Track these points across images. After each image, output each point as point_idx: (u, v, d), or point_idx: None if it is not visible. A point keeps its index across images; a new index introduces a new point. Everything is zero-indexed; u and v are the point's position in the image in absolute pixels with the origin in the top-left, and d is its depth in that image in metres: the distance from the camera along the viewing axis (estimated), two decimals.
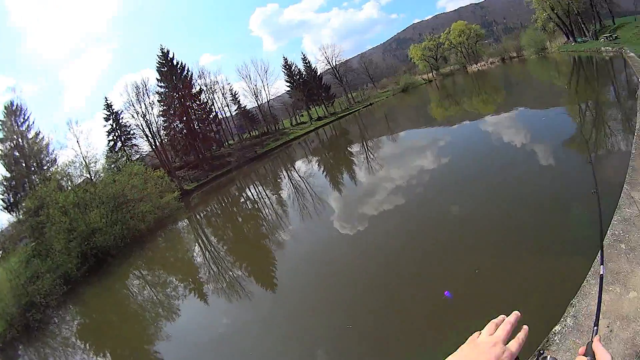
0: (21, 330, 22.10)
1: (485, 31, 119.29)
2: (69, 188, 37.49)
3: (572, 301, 5.25)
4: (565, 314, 5.11)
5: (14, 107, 53.44)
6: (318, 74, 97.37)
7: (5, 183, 50.50)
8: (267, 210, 26.54)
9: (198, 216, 39.21)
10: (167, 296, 18.10)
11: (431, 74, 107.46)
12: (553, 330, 4.95)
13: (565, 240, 8.26)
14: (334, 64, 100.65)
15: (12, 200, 50.24)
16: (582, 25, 60.46)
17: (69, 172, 39.85)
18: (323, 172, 32.06)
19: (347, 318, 9.06)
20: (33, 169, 50.40)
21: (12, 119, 52.62)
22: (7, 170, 50.50)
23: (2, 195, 50.74)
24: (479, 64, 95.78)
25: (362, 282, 10.50)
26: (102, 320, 19.68)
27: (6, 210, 50.14)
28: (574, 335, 4.72)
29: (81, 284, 27.28)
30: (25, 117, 54.15)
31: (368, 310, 9.11)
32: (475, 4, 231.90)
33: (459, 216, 12.17)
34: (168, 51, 71.54)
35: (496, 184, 13.44)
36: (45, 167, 50.37)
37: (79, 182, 39.90)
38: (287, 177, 37.69)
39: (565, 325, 4.94)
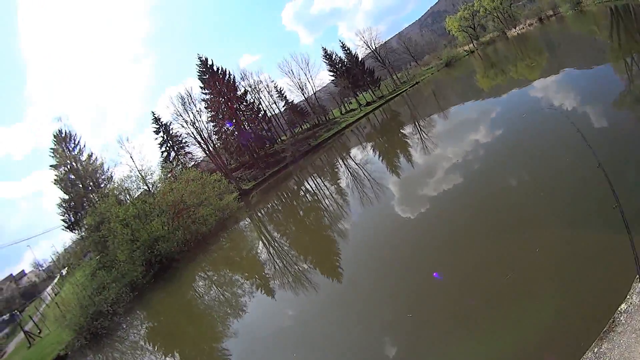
0: (90, 338, 22.61)
1: None
2: (128, 201, 37.99)
3: (637, 276, 4.95)
4: (631, 291, 4.87)
5: (62, 135, 55.56)
6: (360, 59, 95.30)
7: (64, 205, 52.96)
8: (327, 201, 25.84)
9: (259, 214, 38.72)
10: (234, 294, 18.15)
11: (472, 44, 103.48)
12: (619, 309, 4.75)
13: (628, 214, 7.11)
14: (374, 47, 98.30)
15: (72, 219, 52.78)
16: None
17: (126, 187, 40.77)
18: (379, 157, 30.94)
19: (410, 305, 8.75)
20: (90, 188, 52.22)
21: (63, 145, 54.68)
22: (64, 192, 52.82)
23: (63, 216, 53.35)
24: (517, 28, 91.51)
25: (424, 268, 10.00)
26: (170, 323, 19.98)
27: (68, 229, 52.98)
28: None
29: (148, 290, 27.77)
30: (76, 142, 56.27)
31: (429, 297, 8.80)
32: None
33: (516, 190, 11.30)
34: (207, 59, 71.74)
35: (552, 153, 12.15)
36: (102, 185, 52.05)
37: (137, 194, 40.39)
38: (343, 166, 36.57)
39: (631, 303, 4.73)
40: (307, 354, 9.32)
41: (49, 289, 59.83)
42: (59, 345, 23.54)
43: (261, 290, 16.12)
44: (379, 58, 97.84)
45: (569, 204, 9.05)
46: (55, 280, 63.41)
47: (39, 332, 31.21)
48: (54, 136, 55.04)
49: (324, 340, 9.59)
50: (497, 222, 10.06)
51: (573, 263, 7.19)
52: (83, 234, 44.28)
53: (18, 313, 55.51)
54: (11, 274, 79.44)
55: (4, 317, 55.87)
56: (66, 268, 55.75)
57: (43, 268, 78.95)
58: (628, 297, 4.87)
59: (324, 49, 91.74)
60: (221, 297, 18.98)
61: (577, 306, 6.15)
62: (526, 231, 8.80)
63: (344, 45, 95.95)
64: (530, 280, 7.33)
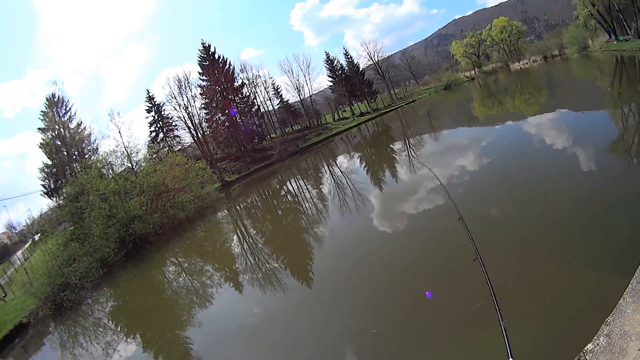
0: (54, 309, 22.37)
1: (527, 28, 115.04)
2: (110, 176, 37.75)
3: (607, 319, 5.08)
4: (599, 332, 4.95)
5: (55, 99, 55.12)
6: (360, 69, 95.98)
7: (46, 170, 52.57)
8: (307, 204, 26.03)
9: (238, 207, 39.00)
10: (202, 284, 18.16)
11: (473, 71, 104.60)
12: (585, 348, 4.84)
13: (604, 253, 7.66)
14: (376, 60, 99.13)
15: (52, 186, 52.46)
16: (624, 23, 57.48)
17: (110, 161, 40.23)
18: (365, 168, 31.35)
19: (375, 320, 8.77)
20: (74, 157, 51.90)
21: (54, 110, 54.35)
22: (48, 157, 52.43)
23: (43, 181, 52.98)
24: (521, 62, 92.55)
25: (394, 283, 10.12)
26: (136, 304, 19.92)
27: (47, 196, 52.78)
28: (606, 356, 4.56)
29: (118, 268, 27.56)
30: (67, 109, 55.89)
31: (395, 313, 8.85)
32: None
33: (496, 219, 11.61)
34: (209, 45, 72.08)
35: (535, 187, 12.48)
36: (86, 156, 51.49)
37: (119, 170, 40.07)
38: (328, 172, 36.92)
39: (598, 344, 4.80)
40: (268, 354, 9.32)
41: (19, 253, 58.74)
42: (23, 312, 23.27)
43: (230, 284, 16.19)
44: (380, 71, 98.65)
45: (533, 236, 9.46)
46: (27, 245, 62.46)
47: (4, 296, 30.71)
48: (47, 99, 54.75)
49: (286, 342, 9.59)
50: (467, 246, 9.48)
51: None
52: (61, 202, 44.30)
53: None
54: None
55: None
56: (39, 234, 55.10)
57: (16, 231, 77.72)
58: None
59: (327, 54, 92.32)
60: (189, 285, 18.96)
61: None
62: (498, 257, 8.85)
63: (347, 53, 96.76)
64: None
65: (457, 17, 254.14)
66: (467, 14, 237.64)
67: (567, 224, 9.37)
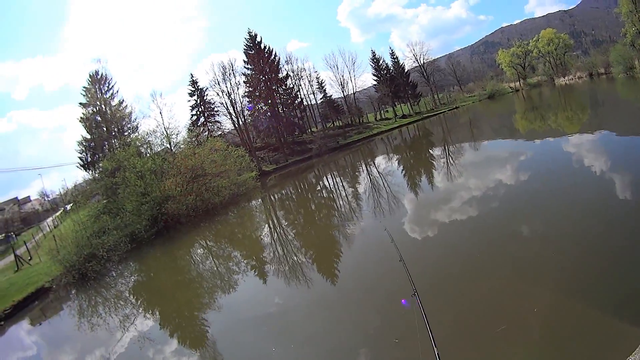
0: (78, 277, 22.81)
1: (574, 42, 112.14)
2: (148, 155, 38.15)
3: None
4: None
5: (98, 76, 55.74)
6: (405, 70, 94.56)
7: (84, 143, 53.61)
8: (341, 202, 25.64)
9: (272, 198, 38.72)
10: (228, 269, 18.19)
11: (518, 82, 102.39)
12: None
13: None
14: (422, 62, 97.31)
15: (89, 159, 53.56)
16: None
17: (149, 140, 40.65)
18: (402, 171, 30.67)
19: (397, 329, 8.23)
20: (113, 133, 52.41)
21: (96, 86, 54.89)
22: (87, 132, 53.53)
23: (81, 154, 54.12)
24: (566, 77, 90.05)
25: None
26: (159, 281, 20.12)
27: (82, 168, 53.85)
28: None
29: (146, 245, 27.83)
30: (110, 86, 56.40)
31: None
32: (564, 11, 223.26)
33: (526, 239, 10.86)
34: (256, 35, 71.78)
35: (569, 212, 11.69)
36: (125, 133, 52.11)
37: (158, 150, 40.34)
38: (365, 172, 36.53)
39: None
40: (284, 346, 9.14)
41: (49, 220, 60.24)
42: (46, 277, 23.43)
43: (255, 272, 16.01)
44: (425, 74, 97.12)
45: (562, 267, 8.70)
46: (58, 213, 63.90)
47: (30, 259, 31.20)
48: (90, 76, 55.26)
49: (303, 336, 9.45)
50: (494, 266, 9.77)
51: None
52: (96, 175, 44.67)
53: (13, 235, 56.15)
54: (16, 197, 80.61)
55: None
56: (71, 204, 56.10)
57: (49, 199, 79.64)
58: None
59: (373, 52, 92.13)
60: (215, 269, 18.91)
61: None
62: (522, 284, 8.47)
63: (393, 53, 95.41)
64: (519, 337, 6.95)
65: (504, 24, 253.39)
66: (514, 23, 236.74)
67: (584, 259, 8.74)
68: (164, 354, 11.05)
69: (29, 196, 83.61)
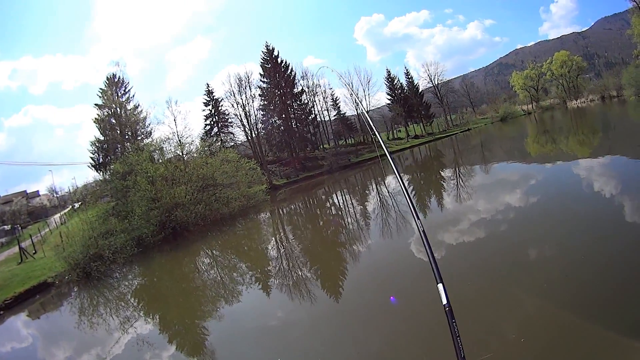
0: (81, 276, 23.17)
1: (587, 64, 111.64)
2: (160, 161, 38.47)
3: None
4: None
5: (115, 79, 56.32)
6: (419, 90, 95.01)
7: (97, 144, 53.74)
8: (349, 219, 25.58)
9: (281, 212, 38.59)
10: (232, 279, 18.17)
11: (531, 105, 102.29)
12: None
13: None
14: (436, 83, 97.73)
15: (101, 160, 53.69)
16: None
17: (162, 147, 40.80)
18: (412, 191, 29.97)
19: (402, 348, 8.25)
20: (127, 136, 52.73)
21: (113, 89, 55.28)
22: (101, 133, 53.64)
23: (93, 154, 54.17)
24: (578, 100, 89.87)
25: (420, 315, 9.40)
26: (162, 287, 20.14)
27: (94, 168, 54.12)
28: None
29: (152, 250, 28.09)
30: (126, 90, 56.86)
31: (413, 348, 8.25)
32: (578, 33, 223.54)
33: (535, 264, 10.61)
34: (273, 48, 72.48)
35: (578, 236, 11.58)
36: (139, 138, 52.24)
37: (169, 157, 40.62)
38: (375, 190, 36.59)
39: None
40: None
41: (57, 216, 60.67)
42: (50, 272, 23.86)
43: (259, 284, 15.95)
44: (438, 95, 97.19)
45: (569, 294, 8.51)
46: (66, 210, 64.41)
47: (34, 253, 31.53)
48: (107, 78, 55.88)
49: (303, 351, 9.40)
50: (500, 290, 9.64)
51: None
52: (107, 177, 45.31)
53: (19, 228, 56.78)
54: (25, 191, 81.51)
55: (5, 226, 57.31)
56: (80, 203, 56.65)
57: (58, 195, 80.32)
58: None
59: (388, 71, 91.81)
60: (219, 278, 18.98)
61: None
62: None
63: (407, 72, 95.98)
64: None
65: (519, 46, 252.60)
66: (528, 44, 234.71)
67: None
68: (161, 358, 11.08)
69: (37, 191, 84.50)
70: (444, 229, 16.13)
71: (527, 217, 14.98)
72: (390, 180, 39.55)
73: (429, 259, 3.24)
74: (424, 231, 3.60)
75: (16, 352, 15.00)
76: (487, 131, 80.00)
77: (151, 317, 15.56)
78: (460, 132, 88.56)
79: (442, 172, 36.04)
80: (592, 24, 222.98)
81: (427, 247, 3.36)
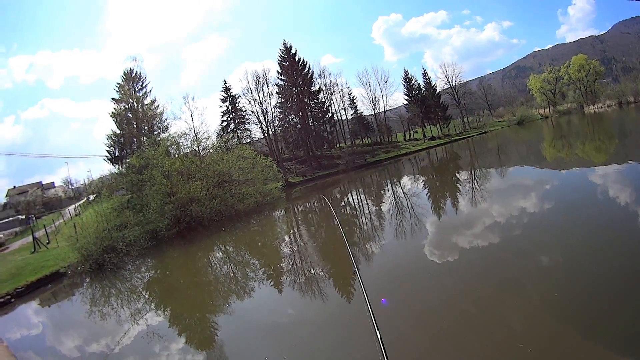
0: (94, 267, 23.33)
1: (604, 68, 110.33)
2: (176, 156, 38.59)
3: None
4: None
5: (133, 74, 56.68)
6: (437, 91, 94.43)
7: (114, 138, 54.30)
8: (363, 219, 25.50)
9: (296, 209, 38.42)
10: (244, 275, 18.00)
11: (548, 109, 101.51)
12: None
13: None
14: (453, 84, 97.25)
15: (117, 154, 54.41)
16: None
17: (179, 142, 40.83)
18: (427, 193, 30.17)
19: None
20: (143, 131, 53.00)
21: (130, 84, 55.70)
22: (117, 127, 54.12)
23: (109, 147, 54.74)
24: (595, 105, 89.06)
25: (431, 317, 9.47)
26: (174, 280, 20.00)
27: (109, 162, 54.83)
28: None
29: (166, 244, 28.15)
30: (143, 85, 57.20)
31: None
32: (596, 36, 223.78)
33: (549, 268, 10.50)
34: (291, 46, 72.49)
35: (593, 244, 11.35)
36: (155, 132, 52.48)
37: (186, 152, 40.74)
38: (390, 191, 36.13)
39: None
40: (293, 358, 9.15)
41: (71, 207, 61.53)
42: (62, 262, 23.93)
43: (271, 281, 15.85)
44: (456, 96, 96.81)
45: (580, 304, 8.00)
46: (80, 202, 65.18)
47: (48, 243, 31.91)
48: (124, 73, 56.26)
49: (312, 349, 9.37)
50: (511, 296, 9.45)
51: None
52: (123, 170, 45.73)
53: (34, 218, 57.63)
54: (40, 182, 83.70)
55: (20, 216, 58.53)
56: (95, 195, 57.18)
57: (73, 187, 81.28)
58: None
59: (406, 71, 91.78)
60: (231, 273, 18.91)
61: None
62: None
63: (425, 73, 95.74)
64: None
65: (536, 49, 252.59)
66: (546, 47, 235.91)
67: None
68: (170, 350, 11.02)
69: (53, 182, 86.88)
70: (454, 233, 16.12)
71: (538, 225, 14.71)
72: (406, 181, 39.41)
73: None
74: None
75: (25, 340, 15.08)
76: (504, 134, 79.54)
77: (162, 309, 15.58)
78: (477, 134, 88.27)
79: (458, 175, 35.68)
80: (610, 27, 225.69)
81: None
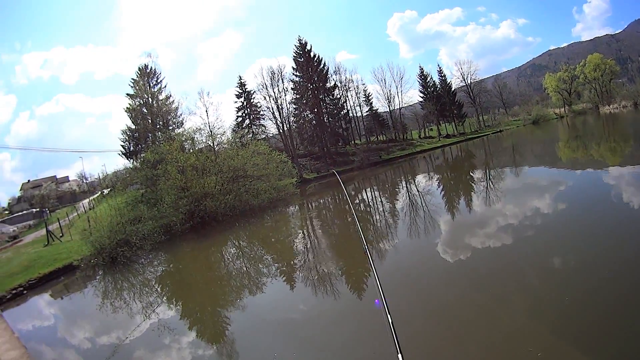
0: (107, 260, 23.51)
1: (620, 68, 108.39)
2: (191, 151, 38.77)
3: None
4: None
5: (147, 70, 57.05)
6: (452, 89, 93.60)
7: (129, 133, 54.96)
8: (377, 216, 25.34)
9: (310, 205, 38.24)
10: (257, 271, 17.99)
11: (563, 109, 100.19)
12: None
13: None
14: (469, 82, 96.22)
15: (132, 148, 54.91)
16: None
17: (193, 137, 41.10)
18: (441, 191, 29.85)
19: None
20: (158, 126, 53.48)
21: (145, 79, 56.05)
22: (132, 122, 54.72)
23: (124, 142, 55.41)
24: (611, 106, 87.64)
25: (442, 316, 9.34)
26: (187, 274, 20.13)
27: (124, 156, 55.39)
28: None
29: (179, 238, 28.31)
30: (158, 81, 57.60)
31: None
32: (611, 35, 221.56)
33: (558, 274, 10.20)
34: (306, 43, 72.08)
35: (607, 247, 11.05)
36: (170, 127, 52.80)
37: (200, 147, 40.86)
38: (405, 189, 35.94)
39: None
40: (303, 353, 9.16)
41: (85, 201, 62.02)
42: (76, 255, 24.20)
43: (283, 277, 15.78)
44: (471, 94, 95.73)
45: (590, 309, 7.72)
46: (95, 196, 65.67)
47: (61, 236, 32.25)
48: (139, 69, 56.64)
49: (323, 345, 9.33)
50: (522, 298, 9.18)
51: None
52: (137, 165, 46.08)
53: (47, 211, 58.67)
54: (55, 176, 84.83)
55: (34, 209, 59.37)
56: (109, 189, 57.55)
57: (87, 181, 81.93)
58: None
59: (421, 68, 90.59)
60: (244, 269, 18.91)
61: None
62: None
63: (440, 70, 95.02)
64: None
65: (552, 47, 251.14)
66: (561, 46, 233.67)
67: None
68: (180, 344, 11.01)
69: (67, 176, 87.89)
70: (468, 232, 15.93)
71: (551, 226, 14.45)
72: (421, 179, 39.15)
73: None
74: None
75: (36, 331, 15.22)
76: (519, 134, 78.77)
77: (174, 303, 15.62)
78: (492, 133, 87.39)
79: (472, 174, 35.32)
80: (626, 26, 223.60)
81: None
